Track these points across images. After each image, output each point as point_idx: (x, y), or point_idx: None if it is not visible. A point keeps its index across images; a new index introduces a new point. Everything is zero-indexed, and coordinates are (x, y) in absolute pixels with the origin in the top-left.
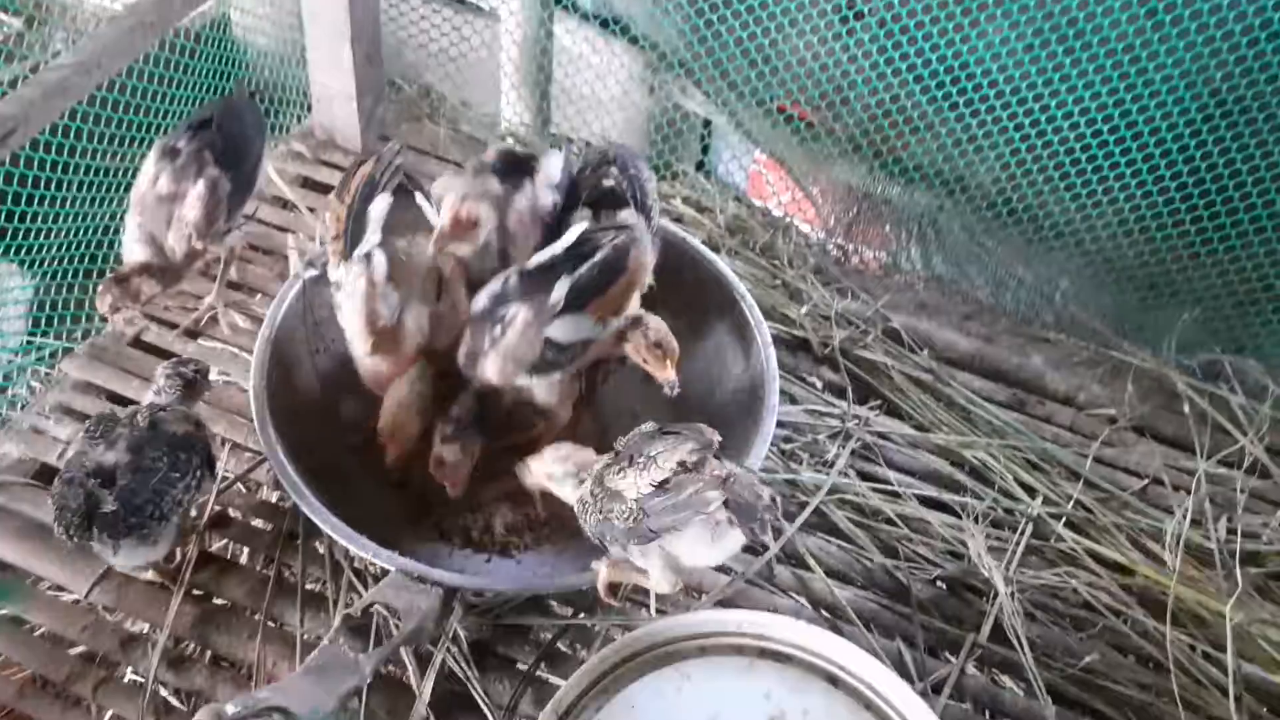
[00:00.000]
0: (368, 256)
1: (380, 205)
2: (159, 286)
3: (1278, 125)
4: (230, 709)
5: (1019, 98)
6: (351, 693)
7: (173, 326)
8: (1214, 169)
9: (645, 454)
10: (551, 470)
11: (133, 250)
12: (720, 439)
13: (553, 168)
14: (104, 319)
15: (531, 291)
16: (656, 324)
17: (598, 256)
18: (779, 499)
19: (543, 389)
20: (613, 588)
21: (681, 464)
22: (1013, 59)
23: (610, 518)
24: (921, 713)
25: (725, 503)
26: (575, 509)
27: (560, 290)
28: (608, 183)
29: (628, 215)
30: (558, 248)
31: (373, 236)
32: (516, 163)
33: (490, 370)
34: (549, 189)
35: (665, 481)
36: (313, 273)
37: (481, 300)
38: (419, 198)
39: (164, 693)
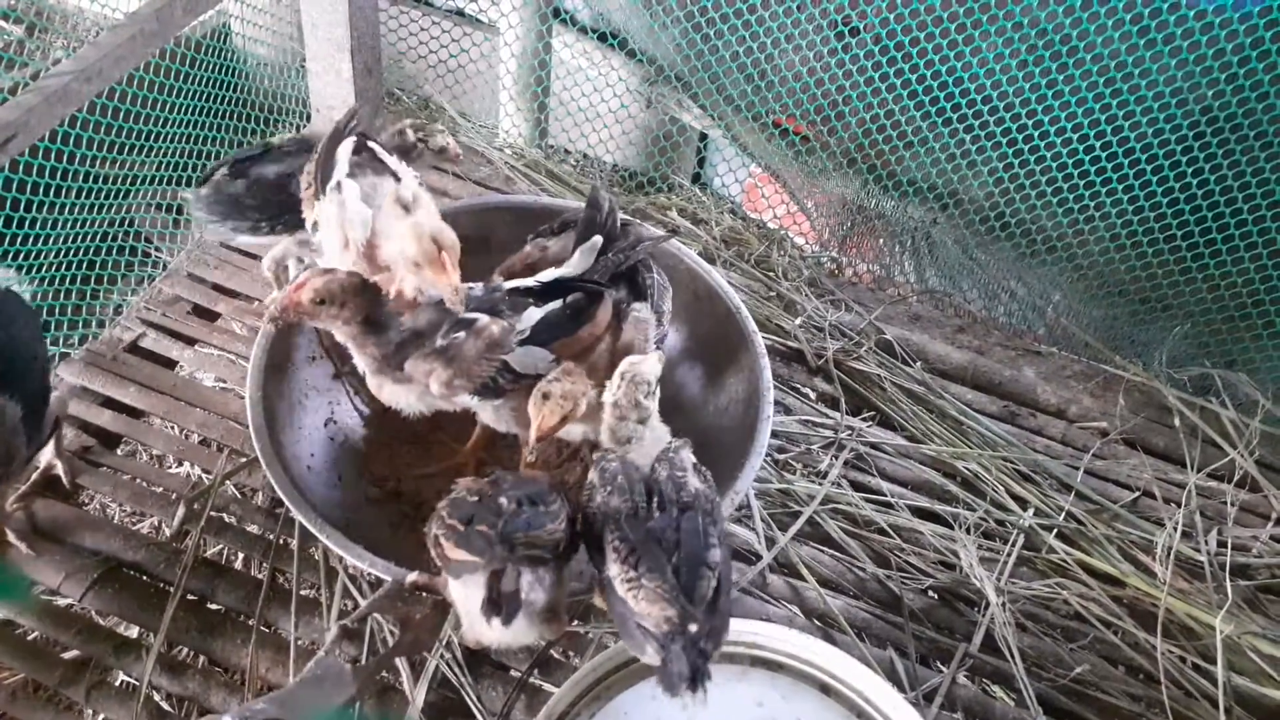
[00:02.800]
0: (338, 185)
1: (346, 146)
2: None
3: (1267, 141)
4: (228, 719)
5: (1011, 113)
6: (349, 703)
7: (170, 333)
8: (1204, 184)
9: (639, 577)
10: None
11: None
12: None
13: (580, 263)
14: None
15: (502, 309)
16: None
17: (572, 299)
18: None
19: (487, 413)
20: None
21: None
22: (1005, 74)
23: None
24: None
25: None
26: None
27: (530, 318)
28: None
29: (641, 309)
30: (543, 277)
31: (341, 169)
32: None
33: (434, 382)
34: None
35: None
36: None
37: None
38: (374, 146)
39: (157, 697)
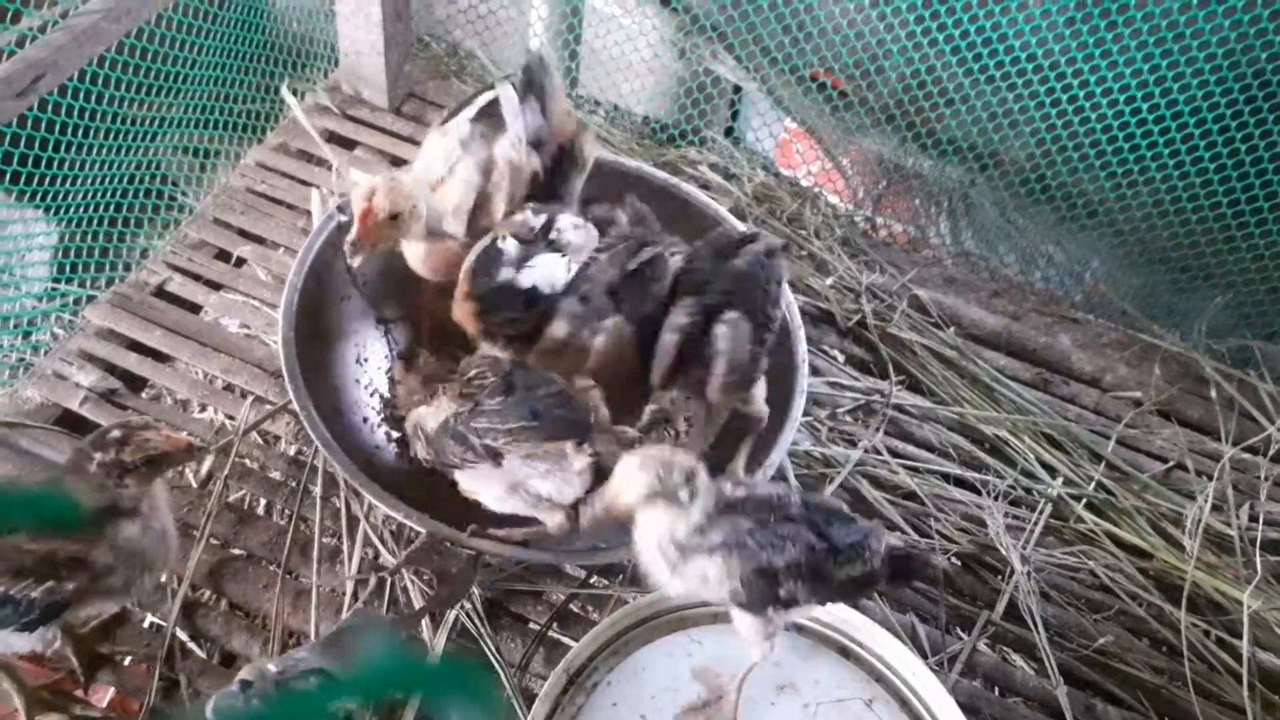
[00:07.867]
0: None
1: (485, 96)
2: None
3: None
4: (272, 667)
5: (1057, 71)
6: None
7: (196, 278)
8: (1253, 149)
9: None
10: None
11: None
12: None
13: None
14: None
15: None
16: None
17: None
18: None
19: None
20: None
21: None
22: (1052, 31)
23: None
24: (932, 687)
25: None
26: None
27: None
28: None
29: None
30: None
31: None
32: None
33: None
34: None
35: None
36: (342, 218)
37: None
38: (503, 89)
39: (182, 635)
